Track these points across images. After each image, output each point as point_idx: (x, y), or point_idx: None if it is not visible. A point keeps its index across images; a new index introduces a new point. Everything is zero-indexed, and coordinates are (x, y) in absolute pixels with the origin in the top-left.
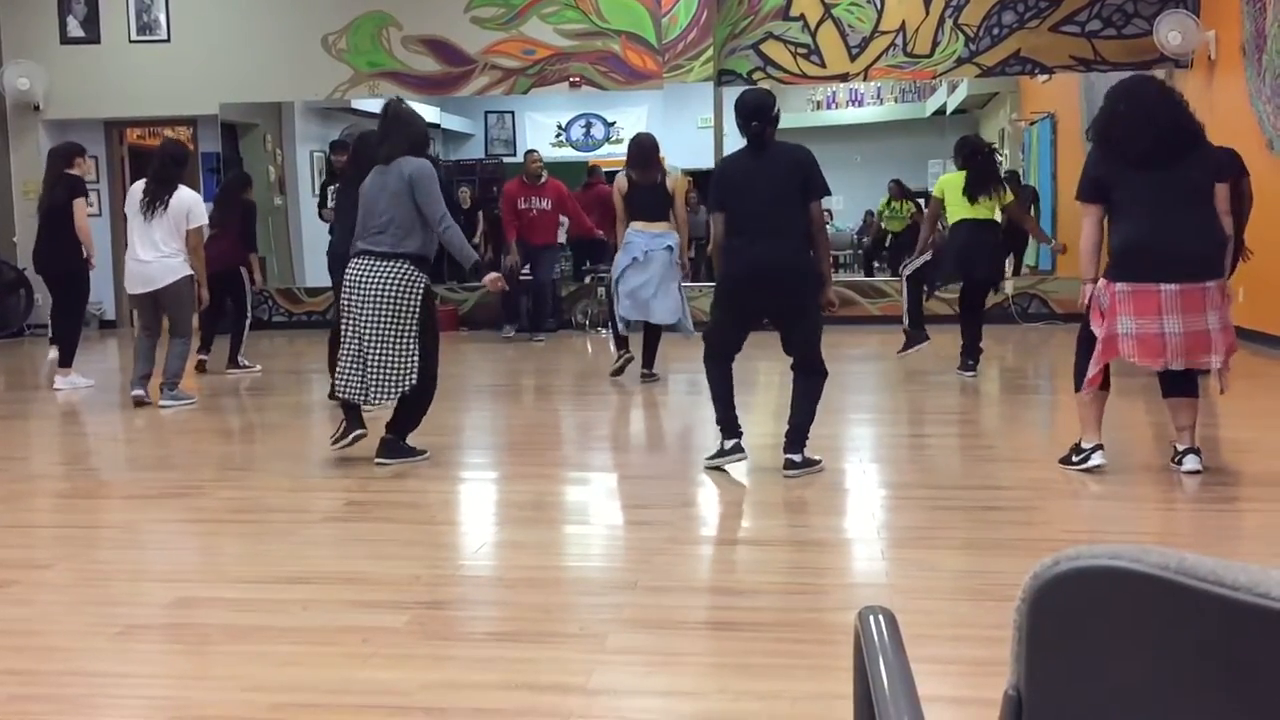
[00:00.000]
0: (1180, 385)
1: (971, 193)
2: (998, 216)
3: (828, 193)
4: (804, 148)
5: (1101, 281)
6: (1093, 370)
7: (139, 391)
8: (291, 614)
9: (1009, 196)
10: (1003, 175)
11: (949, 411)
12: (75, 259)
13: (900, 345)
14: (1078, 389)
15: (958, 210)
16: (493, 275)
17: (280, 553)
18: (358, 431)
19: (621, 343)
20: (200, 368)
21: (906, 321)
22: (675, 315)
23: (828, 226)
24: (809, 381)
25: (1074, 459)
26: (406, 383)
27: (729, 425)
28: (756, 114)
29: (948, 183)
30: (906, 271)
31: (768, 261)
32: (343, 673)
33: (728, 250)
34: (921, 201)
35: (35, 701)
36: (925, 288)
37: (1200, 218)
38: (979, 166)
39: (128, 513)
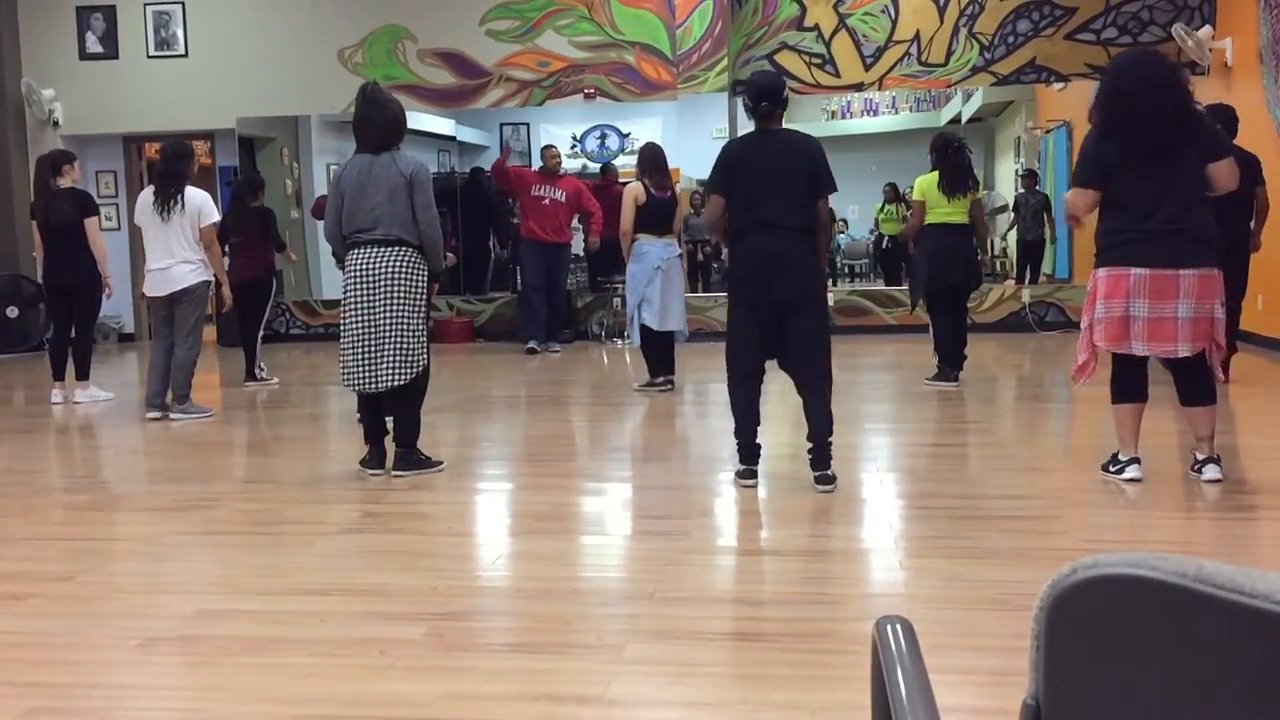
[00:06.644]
0: (1194, 391)
1: (948, 189)
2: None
3: (834, 189)
4: (814, 140)
5: (1091, 274)
6: (1081, 357)
7: (154, 414)
8: (309, 626)
9: (979, 193)
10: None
11: (966, 420)
12: (85, 272)
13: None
14: (1113, 400)
15: (932, 212)
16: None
17: (298, 565)
18: (373, 472)
19: (657, 370)
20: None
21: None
22: (684, 320)
23: (843, 236)
24: (819, 386)
25: (1111, 469)
26: (417, 365)
27: (748, 452)
28: (767, 95)
29: (927, 183)
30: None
31: (773, 251)
32: (361, 684)
33: (732, 240)
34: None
35: (56, 714)
36: (916, 301)
37: (1190, 209)
38: (951, 160)
39: (146, 525)
